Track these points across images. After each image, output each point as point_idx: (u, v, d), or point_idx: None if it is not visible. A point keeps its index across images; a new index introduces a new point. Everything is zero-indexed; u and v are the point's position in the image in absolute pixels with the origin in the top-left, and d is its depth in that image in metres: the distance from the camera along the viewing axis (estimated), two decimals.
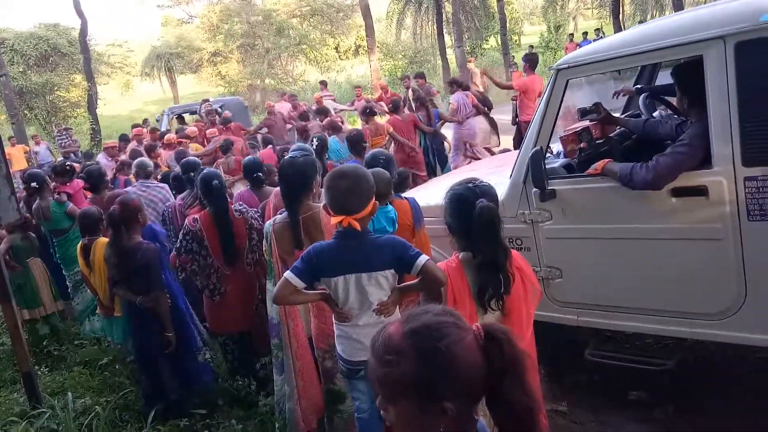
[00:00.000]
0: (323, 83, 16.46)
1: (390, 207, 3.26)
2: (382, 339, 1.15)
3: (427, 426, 1.11)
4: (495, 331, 1.14)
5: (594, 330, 3.43)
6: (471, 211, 2.16)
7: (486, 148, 8.16)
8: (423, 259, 2.25)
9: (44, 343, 5.30)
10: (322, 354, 2.90)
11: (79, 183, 5.87)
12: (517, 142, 8.10)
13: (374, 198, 2.38)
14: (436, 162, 8.17)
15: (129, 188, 5.76)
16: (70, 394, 3.90)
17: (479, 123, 8.20)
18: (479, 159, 7.49)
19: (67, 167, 6.08)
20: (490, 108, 8.65)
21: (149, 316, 3.62)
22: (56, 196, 5.40)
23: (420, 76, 12.31)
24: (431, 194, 4.04)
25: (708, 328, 2.91)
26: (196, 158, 5.75)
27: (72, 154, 13.08)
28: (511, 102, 9.40)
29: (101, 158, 9.46)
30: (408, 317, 1.17)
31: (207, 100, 15.60)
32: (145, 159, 6.68)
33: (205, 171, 3.87)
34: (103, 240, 4.06)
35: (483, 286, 2.17)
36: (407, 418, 1.13)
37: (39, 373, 4.49)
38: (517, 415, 1.12)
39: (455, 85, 8.58)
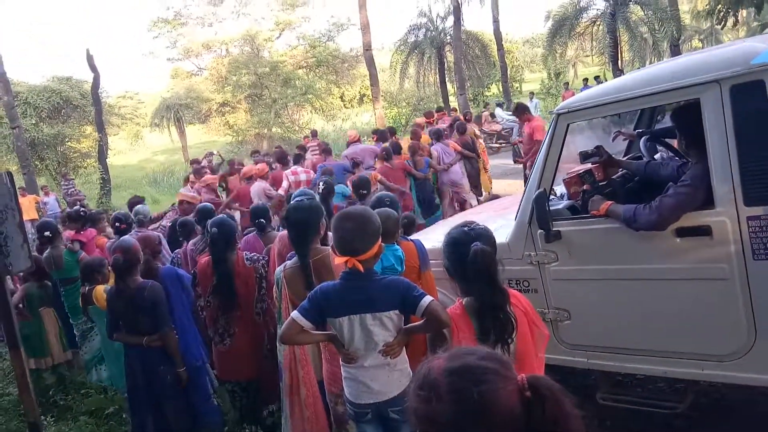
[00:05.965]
0: (314, 132, 15.77)
1: (397, 246, 3.29)
2: (423, 371, 1.13)
3: None
4: (541, 386, 1.09)
5: (605, 373, 3.40)
6: (466, 254, 2.13)
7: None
8: (427, 300, 2.25)
9: (50, 393, 5.26)
10: (334, 399, 2.87)
11: (91, 232, 5.92)
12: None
13: (380, 240, 2.40)
14: (419, 207, 8.11)
15: (126, 237, 5.81)
16: None
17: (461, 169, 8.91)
18: (466, 201, 8.65)
19: (81, 213, 6.14)
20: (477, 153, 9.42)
21: (152, 356, 3.62)
22: (69, 245, 5.46)
23: (439, 110, 12.40)
24: (436, 237, 4.07)
25: (719, 370, 2.88)
26: (211, 205, 5.85)
27: (78, 203, 12.99)
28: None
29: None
30: (453, 355, 1.14)
31: (212, 153, 15.81)
32: (143, 207, 6.72)
33: (213, 218, 3.94)
34: (101, 287, 4.16)
35: (485, 330, 2.12)
36: None
37: (45, 422, 4.44)
38: None
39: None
